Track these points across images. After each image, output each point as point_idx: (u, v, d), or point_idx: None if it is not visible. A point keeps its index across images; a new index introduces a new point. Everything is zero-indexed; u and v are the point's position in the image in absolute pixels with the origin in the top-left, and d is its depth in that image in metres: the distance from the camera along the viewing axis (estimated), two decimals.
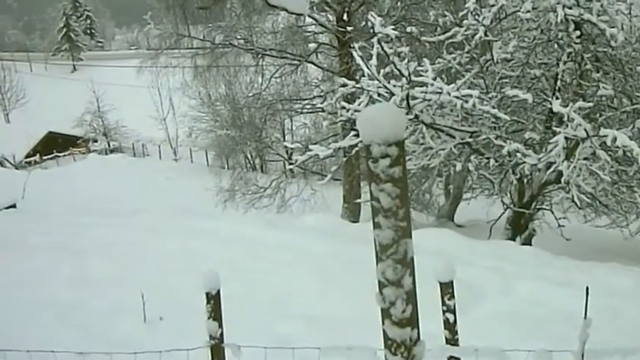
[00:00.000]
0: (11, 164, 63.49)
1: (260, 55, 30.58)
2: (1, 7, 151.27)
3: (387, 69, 15.49)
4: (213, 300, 5.37)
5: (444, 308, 5.97)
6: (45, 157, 68.70)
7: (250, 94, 36.99)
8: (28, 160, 67.25)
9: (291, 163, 20.40)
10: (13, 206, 25.50)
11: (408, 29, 18.87)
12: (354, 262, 11.05)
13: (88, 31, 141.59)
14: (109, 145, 72.44)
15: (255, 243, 12.74)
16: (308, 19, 29.76)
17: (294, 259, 11.80)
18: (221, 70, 44.95)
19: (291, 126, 50.08)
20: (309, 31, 31.47)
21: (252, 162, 54.72)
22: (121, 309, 9.64)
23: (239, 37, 31.18)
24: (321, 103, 27.10)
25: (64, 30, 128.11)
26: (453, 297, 5.98)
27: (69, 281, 10.88)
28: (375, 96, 15.78)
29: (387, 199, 2.05)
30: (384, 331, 2.24)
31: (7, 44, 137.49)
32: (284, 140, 43.75)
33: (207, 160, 59.61)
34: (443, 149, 16.76)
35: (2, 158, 63.16)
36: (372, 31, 15.17)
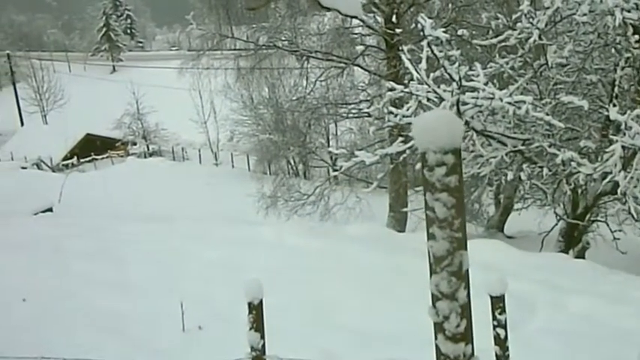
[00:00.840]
0: (48, 167, 64.01)
1: (305, 58, 30.61)
2: (41, 6, 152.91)
3: (437, 73, 15.45)
4: (256, 310, 5.38)
5: (495, 323, 5.94)
6: (82, 160, 69.13)
7: (294, 98, 37.02)
8: (65, 162, 67.72)
9: (335, 170, 20.41)
10: (50, 210, 25.80)
11: (459, 32, 18.78)
12: (401, 273, 11.04)
13: (128, 31, 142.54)
14: (148, 149, 72.63)
15: (298, 252, 12.75)
16: (355, 21, 29.75)
17: (338, 269, 11.80)
18: (264, 72, 45.10)
19: (336, 131, 50.13)
20: (356, 33, 31.45)
21: (295, 168, 54.74)
22: (160, 317, 9.69)
23: (283, 38, 31.26)
24: (368, 108, 27.09)
25: (104, 30, 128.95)
26: (504, 311, 5.95)
27: (108, 288, 10.96)
28: (424, 101, 15.74)
29: (443, 209, 2.04)
30: (436, 346, 2.23)
31: (46, 44, 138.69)
32: (328, 146, 43.84)
33: (248, 166, 59.64)
34: (494, 157, 16.68)
35: (39, 161, 63.69)
36: (421, 33, 15.15)
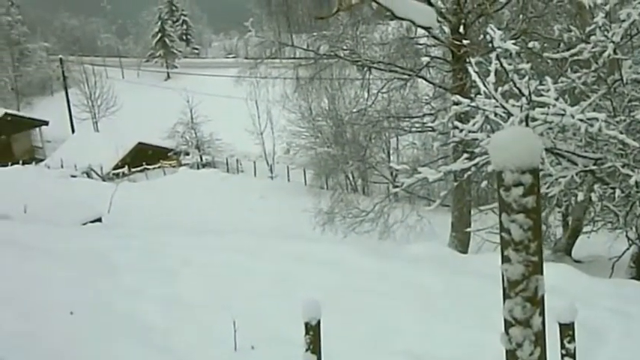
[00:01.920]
0: (98, 176, 64.58)
1: (367, 68, 30.64)
2: (95, 10, 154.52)
3: (506, 87, 15.38)
4: (313, 331, 5.37)
5: (563, 352, 5.89)
6: (133, 170, 69.53)
7: (355, 110, 37.07)
8: (115, 171, 68.18)
9: (396, 186, 20.35)
10: (99, 220, 26.09)
11: (530, 44, 18.64)
12: (463, 296, 10.98)
13: (184, 37, 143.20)
14: (202, 159, 72.80)
15: (356, 271, 12.72)
16: (420, 31, 29.70)
17: (398, 290, 11.75)
18: (324, 82, 45.17)
19: (397, 145, 50.08)
20: (421, 44, 31.40)
21: (353, 183, 54.69)
22: (211, 335, 9.72)
23: (345, 47, 31.32)
24: (432, 122, 27.06)
25: (159, 35, 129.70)
26: (574, 340, 5.89)
27: (157, 303, 11.02)
28: (491, 116, 15.67)
29: (519, 231, 2.03)
30: None
31: (99, 48, 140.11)
32: (389, 161, 43.75)
33: (305, 179, 59.70)
34: (563, 177, 16.53)
35: (89, 169, 64.30)
36: (490, 45, 15.10)
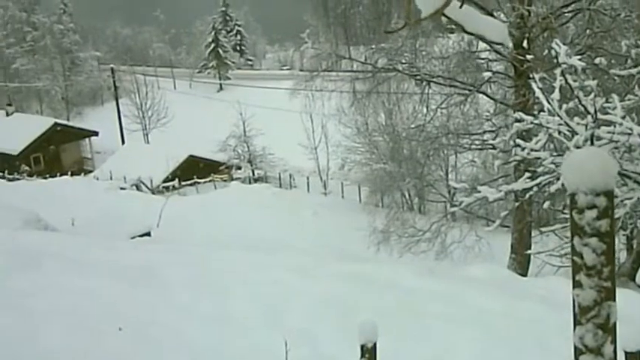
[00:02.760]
0: (148, 188, 64.87)
1: (426, 83, 30.60)
2: (148, 19, 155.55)
3: (570, 104, 15.29)
4: (369, 354, 5.37)
5: None
6: (184, 183, 69.84)
7: (413, 126, 36.99)
8: (165, 185, 68.48)
9: (454, 205, 20.33)
10: (148, 234, 26.25)
11: (596, 60, 18.53)
12: (524, 322, 10.91)
13: (238, 48, 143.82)
14: (254, 174, 72.81)
15: (412, 292, 12.69)
16: (482, 45, 29.62)
17: (455, 314, 11.70)
18: (381, 96, 45.18)
19: (456, 163, 49.87)
20: (483, 58, 31.30)
21: (409, 201, 54.54)
22: (262, 355, 9.73)
23: (403, 61, 31.30)
24: (493, 140, 26.93)
25: (212, 45, 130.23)
26: None
27: (208, 321, 11.06)
28: (555, 134, 15.59)
29: (592, 256, 2.02)
30: None
31: (152, 58, 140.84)
32: (447, 179, 43.60)
33: (359, 197, 59.57)
34: (629, 199, 16.40)
35: (139, 182, 64.61)
36: (555, 60, 15.03)
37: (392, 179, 45.94)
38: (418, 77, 30.38)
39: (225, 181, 70.44)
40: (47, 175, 68.95)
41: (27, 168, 78.01)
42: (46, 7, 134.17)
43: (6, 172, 75.14)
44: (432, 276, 14.78)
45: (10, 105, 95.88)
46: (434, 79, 29.89)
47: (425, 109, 34.62)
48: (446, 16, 3.59)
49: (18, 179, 68.88)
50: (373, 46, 34.53)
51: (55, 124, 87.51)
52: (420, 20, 3.00)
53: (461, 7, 3.20)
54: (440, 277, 14.70)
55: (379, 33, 33.71)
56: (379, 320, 6.77)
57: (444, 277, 14.99)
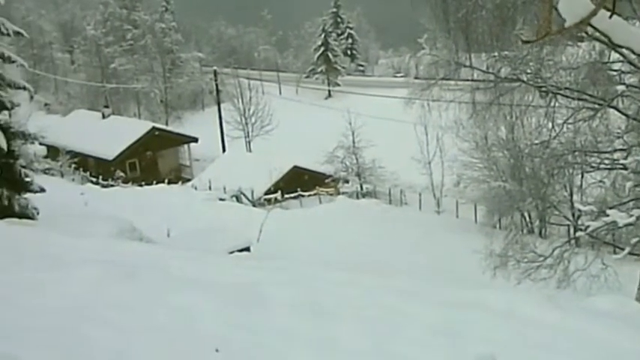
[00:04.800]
0: (249, 200, 65.17)
1: (552, 95, 30.33)
2: (254, 19, 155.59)
3: None
4: None
5: None
6: (287, 196, 69.76)
7: (536, 141, 36.72)
8: (267, 197, 68.49)
9: (579, 229, 20.14)
10: (247, 249, 26.52)
11: None
12: None
13: (349, 52, 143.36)
14: (362, 188, 72.18)
15: (531, 323, 12.56)
16: (615, 55, 29.24)
17: (578, 348, 11.56)
18: (503, 109, 44.76)
19: (582, 183, 49.27)
20: (616, 70, 30.86)
21: (530, 223, 54.01)
22: None
23: (528, 71, 31.06)
24: (624, 159, 26.61)
25: (322, 49, 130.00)
26: None
27: (310, 346, 11.09)
28: None
29: None
30: None
31: (257, 61, 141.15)
32: (572, 200, 43.09)
33: (475, 217, 59.26)
34: None
35: (239, 193, 64.95)
36: None
37: (511, 199, 45.63)
38: (544, 89, 30.13)
39: (331, 195, 70.43)
40: (143, 183, 70.06)
41: (122, 174, 79.08)
42: (148, 4, 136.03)
43: (100, 177, 76.57)
44: (553, 306, 14.62)
45: (106, 107, 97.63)
46: (561, 92, 29.61)
47: (550, 124, 34.30)
48: (592, 26, 3.60)
49: (112, 185, 70.30)
50: (496, 54, 34.25)
51: (153, 128, 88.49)
52: (563, 30, 3.02)
53: (610, 17, 3.20)
54: (562, 308, 14.54)
55: (502, 40, 33.37)
56: (495, 352, 6.75)
57: (566, 307, 14.82)
